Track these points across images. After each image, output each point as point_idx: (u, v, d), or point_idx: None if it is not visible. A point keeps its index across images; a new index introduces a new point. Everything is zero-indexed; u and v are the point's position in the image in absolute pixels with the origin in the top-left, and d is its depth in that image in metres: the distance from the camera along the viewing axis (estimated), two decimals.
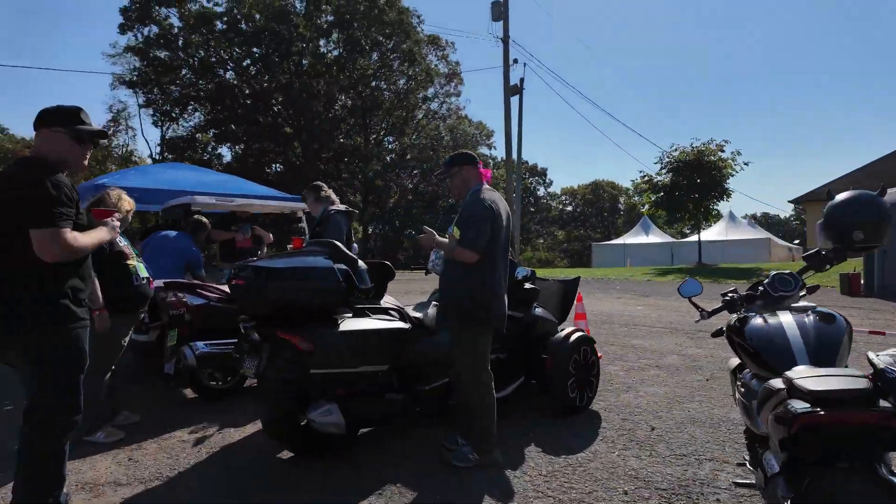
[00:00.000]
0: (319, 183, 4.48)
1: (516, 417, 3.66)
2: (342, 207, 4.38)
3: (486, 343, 2.96)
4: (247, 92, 32.21)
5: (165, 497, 2.72)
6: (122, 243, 3.52)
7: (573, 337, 3.84)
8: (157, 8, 29.88)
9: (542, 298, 4.10)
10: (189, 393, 4.45)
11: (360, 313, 3.10)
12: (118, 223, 2.69)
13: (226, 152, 34.13)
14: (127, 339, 3.54)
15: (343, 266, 2.97)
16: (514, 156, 22.14)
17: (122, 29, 29.87)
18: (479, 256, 2.83)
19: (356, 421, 3.02)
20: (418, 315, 3.45)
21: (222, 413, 3.97)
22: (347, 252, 3.12)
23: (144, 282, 3.60)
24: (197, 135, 33.30)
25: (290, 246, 4.50)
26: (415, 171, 38.05)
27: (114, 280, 3.37)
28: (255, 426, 3.70)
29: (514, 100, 22.34)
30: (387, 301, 3.47)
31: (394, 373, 3.14)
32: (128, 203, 3.65)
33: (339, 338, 2.85)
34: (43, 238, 2.06)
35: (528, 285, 3.88)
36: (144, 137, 52.66)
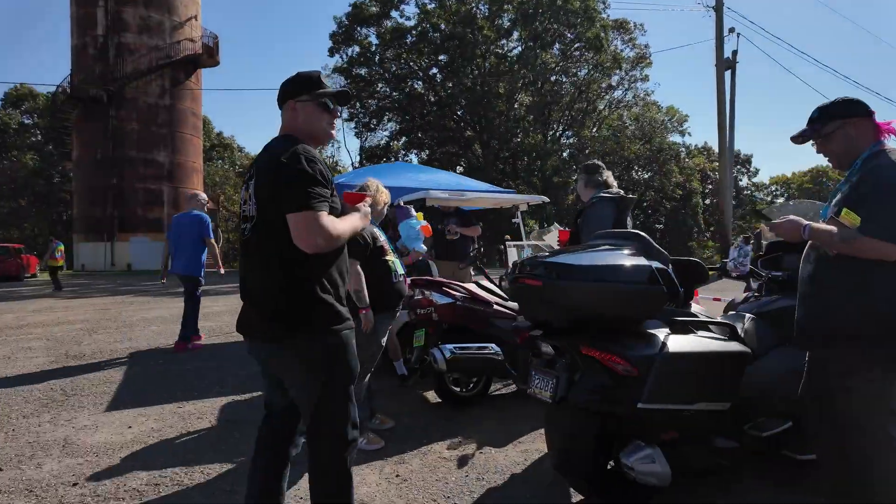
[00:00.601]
0: (595, 162, 3.60)
1: None
2: (611, 193, 3.44)
3: None
4: (433, 99, 33.82)
5: None
6: (382, 238, 3.30)
7: None
8: (359, 29, 33.05)
9: None
10: (432, 396, 4.19)
11: (680, 328, 2.33)
12: (369, 209, 2.28)
13: (414, 158, 36.35)
14: (385, 338, 3.32)
15: (659, 264, 2.26)
16: (727, 141, 19.25)
17: (331, 52, 33.69)
18: None
19: (677, 471, 2.28)
20: None
21: (474, 426, 3.56)
22: (659, 248, 2.40)
23: (401, 279, 3.35)
24: (391, 143, 36.01)
25: (557, 240, 3.92)
26: None
27: (376, 277, 3.16)
28: (516, 448, 3.20)
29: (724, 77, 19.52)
30: (697, 311, 2.66)
31: (729, 412, 2.32)
32: (385, 195, 3.43)
33: (673, 362, 2.12)
34: (300, 223, 1.70)
35: None
36: (346, 149, 59.41)
